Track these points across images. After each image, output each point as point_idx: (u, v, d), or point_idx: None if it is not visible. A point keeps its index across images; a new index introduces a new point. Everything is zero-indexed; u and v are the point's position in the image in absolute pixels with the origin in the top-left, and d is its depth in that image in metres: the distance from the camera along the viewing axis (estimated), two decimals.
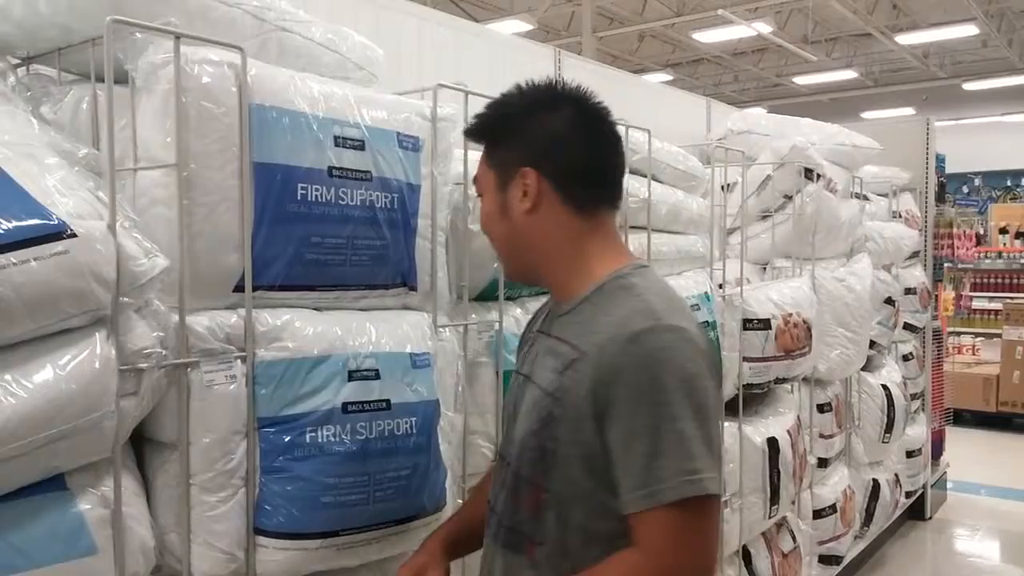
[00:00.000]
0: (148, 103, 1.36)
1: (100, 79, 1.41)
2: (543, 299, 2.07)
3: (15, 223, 1.10)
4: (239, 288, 1.41)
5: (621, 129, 2.27)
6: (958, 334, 8.59)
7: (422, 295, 1.72)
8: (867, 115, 15.48)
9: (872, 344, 3.98)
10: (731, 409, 2.94)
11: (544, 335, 1.34)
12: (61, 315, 1.15)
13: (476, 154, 1.91)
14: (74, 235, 1.14)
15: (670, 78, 14.45)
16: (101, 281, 1.17)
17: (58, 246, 1.12)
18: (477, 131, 1.37)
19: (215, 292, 1.40)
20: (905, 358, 4.86)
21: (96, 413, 1.19)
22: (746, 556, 3.08)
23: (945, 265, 5.46)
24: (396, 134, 1.62)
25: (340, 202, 1.51)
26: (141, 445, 1.40)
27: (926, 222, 5.15)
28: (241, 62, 1.38)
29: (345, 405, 1.47)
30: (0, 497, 1.15)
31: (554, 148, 1.28)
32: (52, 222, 1.13)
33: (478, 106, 1.87)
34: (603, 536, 1.19)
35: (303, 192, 1.46)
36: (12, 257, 1.08)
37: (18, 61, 1.63)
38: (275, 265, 1.44)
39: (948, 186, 5.94)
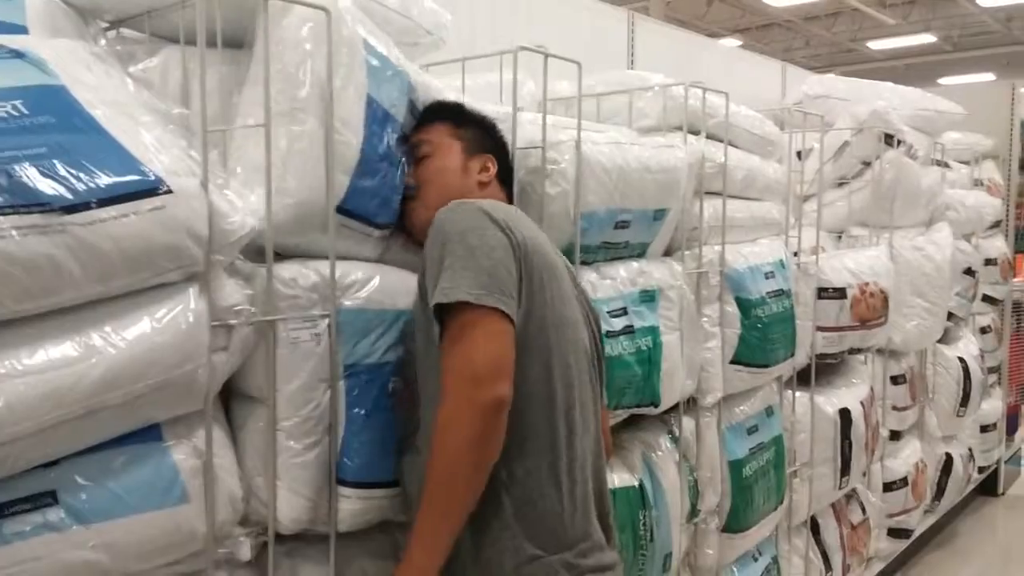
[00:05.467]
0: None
1: (188, 42, 1.43)
2: (618, 263, 2.06)
3: (115, 178, 1.13)
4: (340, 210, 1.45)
5: (698, 91, 2.27)
6: None
7: None
8: (945, 81, 14.88)
9: (950, 316, 3.86)
10: (803, 379, 2.90)
11: None
12: (157, 269, 1.19)
13: (553, 118, 1.91)
14: (170, 191, 1.17)
15: (739, 43, 14.09)
16: (195, 237, 1.20)
17: (155, 201, 1.15)
18: (446, 110, 1.65)
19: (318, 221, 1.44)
20: (983, 330, 4.71)
21: (189, 366, 1.22)
22: (815, 527, 3.05)
23: None
24: None
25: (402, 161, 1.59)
26: (228, 397, 1.44)
27: (1009, 191, 4.96)
28: (327, 23, 1.39)
29: None
30: (100, 445, 1.19)
31: (499, 147, 1.67)
32: (149, 178, 1.16)
33: (557, 69, 1.87)
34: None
35: (390, 140, 1.53)
36: (112, 211, 1.11)
37: (107, 25, 1.67)
38: (373, 198, 1.50)
39: None
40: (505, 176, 1.68)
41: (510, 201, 1.68)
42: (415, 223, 1.58)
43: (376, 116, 1.50)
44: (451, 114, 1.64)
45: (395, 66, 1.57)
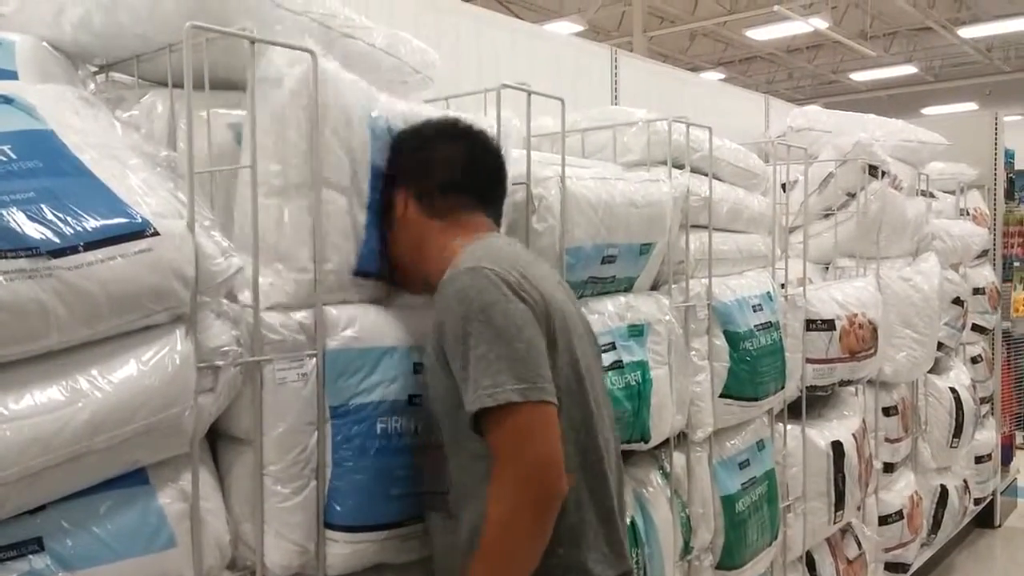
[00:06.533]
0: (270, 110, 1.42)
1: (175, 84, 1.45)
2: (605, 298, 2.07)
3: (102, 221, 1.14)
4: (357, 273, 1.52)
5: (681, 126, 2.29)
6: None
7: None
8: (928, 111, 15.09)
9: (940, 346, 3.88)
10: (795, 412, 2.89)
11: None
12: (144, 311, 1.19)
13: (536, 155, 1.93)
14: (157, 233, 1.17)
15: (722, 76, 14.28)
16: (182, 279, 1.21)
17: (142, 244, 1.16)
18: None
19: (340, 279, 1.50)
20: (974, 360, 4.72)
21: (176, 408, 1.22)
22: (810, 562, 3.02)
23: (1015, 264, 5.29)
24: None
25: None
26: (215, 440, 1.43)
27: (995, 220, 5.00)
28: (312, 65, 1.41)
29: (411, 397, 1.51)
30: (85, 490, 1.18)
31: (409, 170, 1.55)
32: (136, 220, 1.17)
33: (542, 106, 1.90)
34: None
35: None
36: (99, 254, 1.12)
37: (96, 69, 1.69)
38: (376, 256, 1.56)
39: (1016, 182, 5.75)
40: (424, 193, 1.53)
41: (446, 216, 1.54)
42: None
43: (376, 179, 1.54)
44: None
45: (382, 119, 1.56)
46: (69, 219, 1.12)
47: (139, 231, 1.16)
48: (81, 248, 1.11)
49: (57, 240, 1.10)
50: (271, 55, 1.41)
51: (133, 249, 1.15)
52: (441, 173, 1.53)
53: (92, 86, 1.63)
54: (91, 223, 1.13)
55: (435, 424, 1.45)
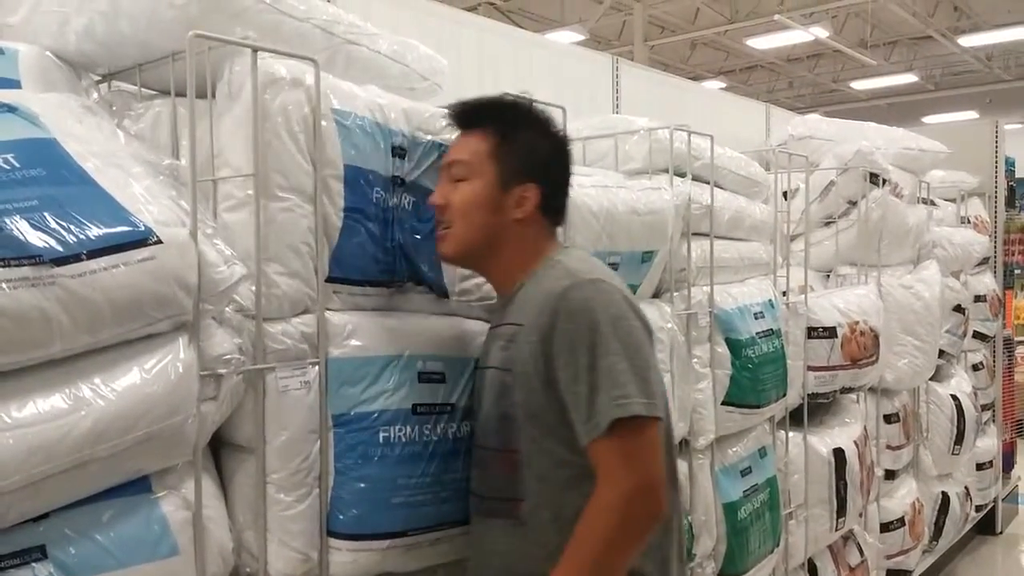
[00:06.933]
0: (237, 115, 1.40)
1: (179, 93, 1.46)
2: None
3: (105, 230, 1.14)
4: (330, 279, 1.48)
5: (683, 134, 2.30)
6: None
7: (462, 302, 1.70)
8: (928, 119, 15.12)
9: (941, 353, 3.87)
10: (796, 419, 2.89)
11: (493, 328, 1.53)
12: (147, 320, 1.19)
13: None
14: (159, 241, 1.18)
15: (723, 85, 14.31)
16: (184, 287, 1.21)
17: (144, 252, 1.16)
18: (491, 114, 1.47)
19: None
20: (975, 368, 4.71)
21: (178, 416, 1.22)
22: (812, 569, 3.02)
23: (1016, 272, 5.29)
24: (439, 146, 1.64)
25: (393, 205, 1.57)
26: (218, 448, 1.44)
27: (996, 227, 5.00)
28: (315, 73, 1.42)
29: (415, 406, 1.50)
30: (89, 498, 1.18)
31: (550, 170, 1.48)
32: (139, 229, 1.17)
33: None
34: (574, 478, 1.34)
35: (377, 196, 1.53)
36: (102, 263, 1.12)
37: (99, 78, 1.69)
38: (353, 260, 1.50)
39: (1017, 190, 5.76)
40: (553, 199, 1.49)
41: (555, 226, 1.54)
42: (444, 254, 1.49)
43: (355, 180, 1.49)
44: (496, 121, 1.46)
45: (367, 119, 1.53)
46: (72, 227, 1.13)
47: (142, 239, 1.17)
48: (84, 256, 1.11)
49: (60, 248, 1.10)
50: (234, 63, 1.41)
51: (136, 257, 1.15)
52: (568, 175, 1.53)
53: (95, 95, 1.64)
54: (94, 231, 1.13)
55: (508, 430, 1.41)
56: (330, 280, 1.47)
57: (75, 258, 1.10)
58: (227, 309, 1.34)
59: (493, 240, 1.45)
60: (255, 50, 1.37)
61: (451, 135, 1.64)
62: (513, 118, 1.47)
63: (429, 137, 1.62)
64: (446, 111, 1.55)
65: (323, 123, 1.44)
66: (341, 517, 1.43)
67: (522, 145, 1.45)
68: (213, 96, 1.45)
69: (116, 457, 1.16)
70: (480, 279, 1.70)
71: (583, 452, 1.32)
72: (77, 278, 1.10)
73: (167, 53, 1.49)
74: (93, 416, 1.13)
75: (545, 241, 1.49)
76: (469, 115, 1.49)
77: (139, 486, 1.24)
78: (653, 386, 1.31)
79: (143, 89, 1.61)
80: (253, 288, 1.36)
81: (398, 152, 1.58)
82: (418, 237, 1.59)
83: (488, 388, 1.47)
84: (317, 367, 1.42)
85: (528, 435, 1.38)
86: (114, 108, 1.58)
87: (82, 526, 1.16)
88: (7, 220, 1.08)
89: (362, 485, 1.44)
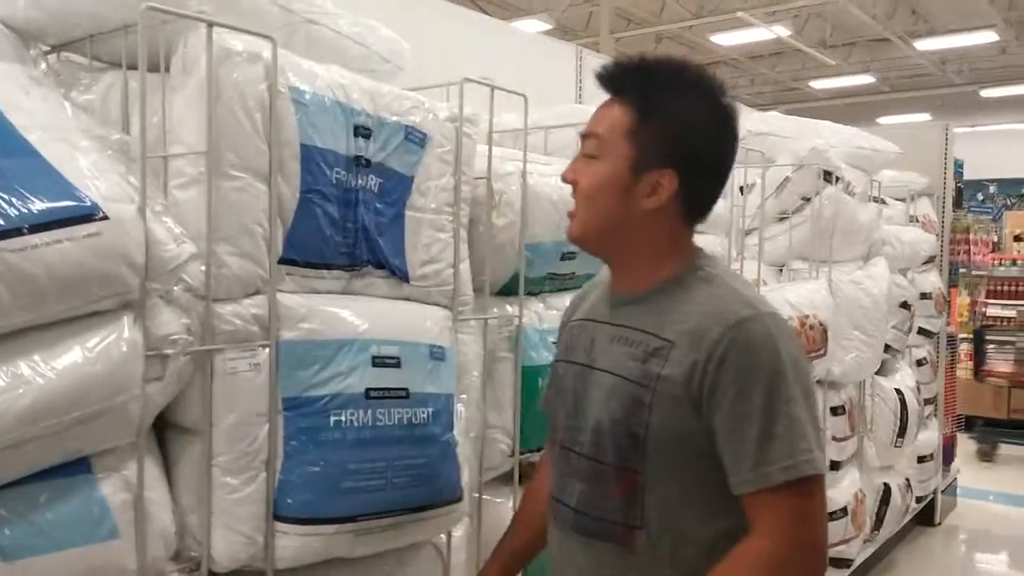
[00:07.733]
0: (190, 90, 1.37)
1: (131, 66, 1.42)
2: (565, 295, 2.08)
3: (49, 204, 1.12)
4: (283, 261, 1.45)
5: None
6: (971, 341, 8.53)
7: (420, 288, 1.69)
8: (883, 120, 15.41)
9: (887, 348, 3.96)
10: None
11: (604, 324, 1.32)
12: (90, 297, 1.16)
13: (499, 150, 1.92)
14: (106, 218, 1.15)
15: None
16: (130, 264, 1.18)
17: (90, 228, 1.13)
18: (634, 81, 1.24)
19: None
20: (919, 363, 4.83)
21: (121, 397, 1.20)
22: None
23: (960, 270, 5.43)
24: (405, 128, 1.63)
25: (356, 186, 1.55)
26: (163, 429, 1.41)
27: (943, 227, 5.12)
28: (272, 51, 1.39)
29: (368, 391, 1.49)
30: (26, 478, 1.16)
31: (700, 156, 1.24)
32: (85, 204, 1.14)
33: (503, 101, 1.89)
34: (704, 515, 1.22)
35: (338, 177, 1.50)
36: (45, 237, 1.10)
37: (48, 48, 1.64)
38: (309, 242, 1.48)
39: (964, 192, 5.90)
40: (696, 191, 1.25)
41: (695, 223, 1.30)
42: (568, 236, 1.33)
43: (312, 160, 1.47)
44: (641, 90, 1.23)
45: (329, 98, 1.51)
46: (14, 200, 1.10)
47: (88, 215, 1.14)
48: (26, 230, 1.08)
49: (1, 222, 1.07)
50: (189, 37, 1.37)
51: (81, 233, 1.13)
52: (724, 165, 1.28)
53: (44, 66, 1.59)
54: (37, 205, 1.10)
55: (632, 448, 1.22)
56: (284, 262, 1.45)
57: (16, 232, 1.08)
58: (176, 288, 1.31)
59: (619, 229, 1.25)
60: (210, 25, 1.34)
61: (417, 117, 1.62)
62: (663, 89, 1.22)
63: (395, 118, 1.61)
64: (598, 71, 1.29)
65: (279, 101, 1.41)
66: (289, 501, 1.42)
67: (667, 125, 1.21)
68: (167, 70, 1.42)
69: (55, 437, 1.14)
70: (440, 264, 1.69)
71: (718, 489, 1.18)
72: (18, 252, 1.07)
73: (119, 25, 1.45)
74: (32, 394, 1.10)
75: (683, 240, 1.29)
76: (614, 78, 1.26)
77: (79, 467, 1.22)
78: (820, 439, 1.18)
79: (94, 61, 1.57)
80: (203, 268, 1.33)
81: (362, 132, 1.55)
82: (383, 220, 1.58)
83: (607, 396, 1.25)
84: (268, 349, 1.40)
85: (658, 460, 1.21)
86: (61, 78, 1.54)
87: (18, 507, 1.13)
88: None
89: (312, 469, 1.43)
